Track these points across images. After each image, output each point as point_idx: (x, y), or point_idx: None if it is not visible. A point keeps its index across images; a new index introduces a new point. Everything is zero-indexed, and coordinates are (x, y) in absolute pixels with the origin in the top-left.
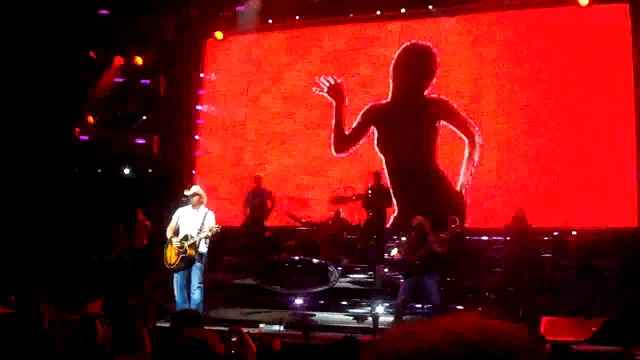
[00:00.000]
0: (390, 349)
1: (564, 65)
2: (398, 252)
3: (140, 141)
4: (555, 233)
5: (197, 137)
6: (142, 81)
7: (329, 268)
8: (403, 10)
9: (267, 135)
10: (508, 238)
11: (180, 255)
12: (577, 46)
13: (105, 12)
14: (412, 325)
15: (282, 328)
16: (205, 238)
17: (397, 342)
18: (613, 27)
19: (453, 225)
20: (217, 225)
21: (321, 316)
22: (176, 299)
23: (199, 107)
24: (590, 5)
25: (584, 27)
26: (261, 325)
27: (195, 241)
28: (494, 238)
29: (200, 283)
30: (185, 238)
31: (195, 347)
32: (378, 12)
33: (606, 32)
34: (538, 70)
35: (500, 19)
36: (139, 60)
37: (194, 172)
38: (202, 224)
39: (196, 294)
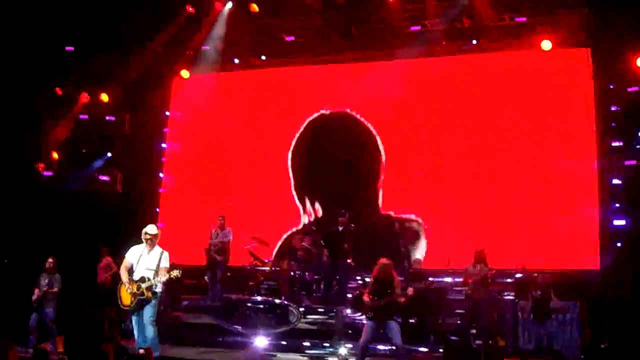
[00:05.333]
0: None
1: (526, 108)
2: (365, 301)
3: (103, 178)
4: (518, 275)
5: (161, 174)
6: (107, 118)
7: (290, 308)
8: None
9: (232, 174)
10: (469, 280)
11: (137, 298)
12: (541, 89)
13: (70, 48)
14: None
15: None
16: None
17: None
18: (575, 71)
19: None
20: (177, 270)
21: (282, 357)
22: (135, 337)
23: (163, 145)
24: (553, 49)
25: (548, 71)
26: None
27: (153, 284)
28: (456, 279)
29: (152, 319)
30: (142, 280)
31: None
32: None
33: (569, 75)
34: (501, 113)
35: (462, 62)
36: (104, 97)
37: (157, 209)
38: (158, 265)
39: (149, 331)
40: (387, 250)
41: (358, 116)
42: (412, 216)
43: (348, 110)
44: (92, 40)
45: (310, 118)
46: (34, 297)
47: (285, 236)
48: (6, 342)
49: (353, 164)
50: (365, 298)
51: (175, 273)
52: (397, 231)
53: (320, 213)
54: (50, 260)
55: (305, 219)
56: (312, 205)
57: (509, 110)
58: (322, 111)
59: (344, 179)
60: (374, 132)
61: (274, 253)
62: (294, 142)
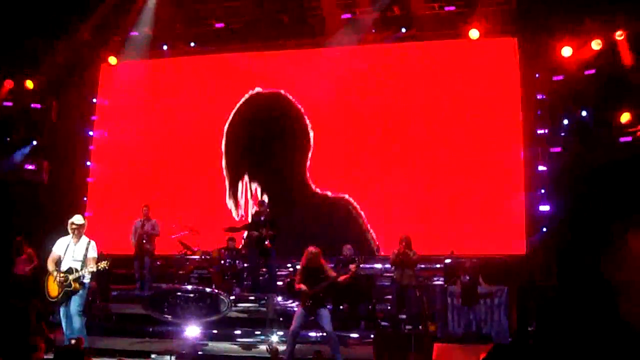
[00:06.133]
0: None
1: (455, 97)
2: (300, 290)
3: (29, 167)
4: (447, 260)
5: (88, 163)
6: (33, 105)
7: (221, 297)
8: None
9: (159, 162)
10: (391, 265)
11: (64, 289)
12: (469, 78)
13: None
14: None
15: (173, 358)
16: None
17: None
18: (502, 60)
19: (354, 267)
20: (105, 261)
21: (213, 346)
22: (64, 330)
23: (91, 133)
24: (481, 39)
25: (476, 60)
26: (152, 356)
27: (80, 275)
28: (385, 266)
29: (80, 309)
30: (70, 271)
31: None
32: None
33: (496, 64)
34: (430, 101)
35: (393, 50)
36: (29, 84)
37: (85, 198)
38: (85, 255)
39: (76, 321)
40: (319, 230)
41: (291, 97)
42: (346, 196)
43: (282, 92)
44: (17, 26)
45: (247, 96)
46: None
47: None
48: None
49: (284, 142)
50: (302, 287)
51: (103, 264)
52: (327, 210)
53: (252, 192)
54: None
55: (230, 202)
56: (243, 183)
57: (437, 98)
58: (258, 89)
59: (275, 157)
60: (304, 114)
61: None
62: (229, 119)
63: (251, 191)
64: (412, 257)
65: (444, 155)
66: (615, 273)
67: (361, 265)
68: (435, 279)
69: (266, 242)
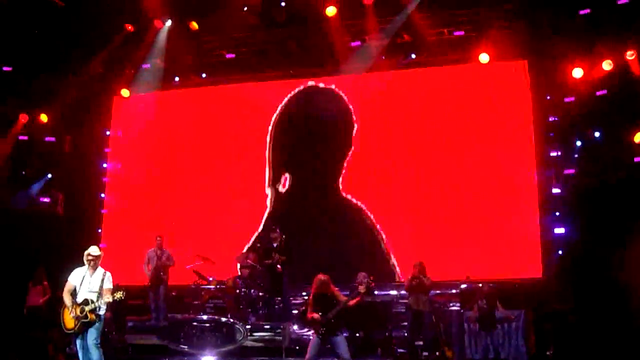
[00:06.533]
0: None
1: (466, 121)
2: (313, 319)
3: (44, 199)
4: (463, 285)
5: (102, 195)
6: (47, 139)
7: (237, 326)
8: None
9: (173, 193)
10: (406, 290)
11: (81, 321)
12: (480, 102)
13: (8, 68)
14: None
15: None
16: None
17: None
18: (513, 83)
19: (363, 289)
20: (121, 292)
21: None
22: None
23: (104, 165)
24: (491, 62)
25: (487, 84)
26: None
27: (96, 307)
28: (401, 292)
29: (96, 341)
30: (85, 302)
31: None
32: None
33: (507, 88)
34: (442, 126)
35: (403, 76)
36: (43, 117)
37: (99, 230)
38: (101, 286)
39: (93, 353)
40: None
41: (344, 96)
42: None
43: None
44: (30, 60)
45: (299, 89)
46: None
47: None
48: None
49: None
50: (314, 315)
51: (119, 295)
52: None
53: (287, 185)
54: None
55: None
56: (281, 174)
57: (449, 123)
58: (310, 83)
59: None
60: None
61: None
62: (279, 108)
63: (285, 185)
64: (426, 282)
65: (458, 179)
66: (633, 294)
67: (376, 292)
68: (451, 304)
69: (278, 267)
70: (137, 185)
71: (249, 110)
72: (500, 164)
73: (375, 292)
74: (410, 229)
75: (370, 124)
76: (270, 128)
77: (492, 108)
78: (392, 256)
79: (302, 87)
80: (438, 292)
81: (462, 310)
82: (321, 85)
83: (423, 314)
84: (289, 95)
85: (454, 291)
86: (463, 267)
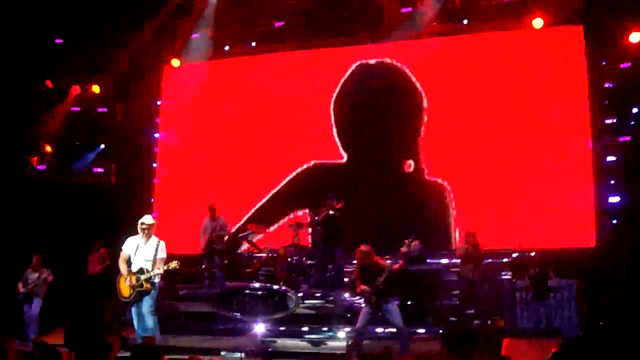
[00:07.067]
0: None
1: (520, 88)
2: (362, 291)
3: (97, 169)
4: (515, 254)
5: (154, 164)
6: (99, 110)
7: (288, 294)
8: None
9: (224, 161)
10: (460, 261)
11: (136, 290)
12: (534, 68)
13: (60, 41)
14: None
15: (242, 355)
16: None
17: None
18: (568, 48)
19: (405, 249)
20: (175, 262)
21: (281, 342)
22: (135, 328)
23: (156, 135)
24: (546, 28)
25: (541, 49)
26: (222, 353)
27: (151, 275)
28: (453, 261)
29: (152, 309)
30: (141, 271)
31: None
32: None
33: (562, 53)
34: (494, 93)
35: (454, 42)
36: (95, 88)
37: (151, 199)
38: (155, 255)
39: (149, 321)
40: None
41: (406, 70)
42: (439, 180)
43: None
44: (81, 32)
45: (357, 63)
46: (20, 291)
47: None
48: (5, 335)
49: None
50: (363, 287)
51: (174, 265)
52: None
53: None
54: (36, 258)
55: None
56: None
57: (502, 90)
58: (365, 60)
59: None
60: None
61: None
62: (338, 88)
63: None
64: (478, 252)
65: (510, 147)
66: None
67: (428, 261)
68: (503, 273)
69: (333, 212)
70: (188, 154)
71: (299, 78)
72: (554, 131)
73: (428, 260)
74: (463, 196)
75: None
76: (331, 111)
77: (546, 75)
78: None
79: (354, 67)
80: (489, 260)
81: (513, 280)
82: (372, 62)
83: (475, 283)
84: (344, 78)
85: (505, 260)
86: (515, 236)
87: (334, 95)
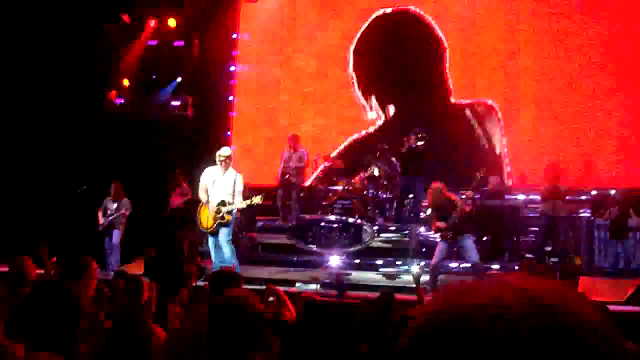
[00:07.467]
0: (448, 306)
1: (600, 19)
2: (438, 228)
3: (174, 103)
4: (594, 192)
5: (231, 97)
6: (176, 43)
7: (364, 227)
8: None
9: (301, 95)
10: (541, 197)
11: (218, 221)
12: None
13: None
14: (465, 283)
15: (317, 287)
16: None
17: (456, 299)
18: None
19: (475, 182)
20: (260, 197)
21: (356, 275)
22: (212, 259)
23: (232, 68)
24: None
25: None
26: (297, 284)
27: (233, 208)
28: (530, 197)
29: (229, 238)
30: (222, 203)
31: (236, 307)
32: None
33: None
34: (574, 25)
35: None
36: (172, 22)
37: (229, 132)
38: (234, 188)
39: (227, 251)
40: (460, 140)
41: (421, 12)
42: (486, 100)
43: (412, 8)
44: None
45: (372, 17)
46: (100, 221)
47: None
48: (88, 259)
49: (418, 59)
50: (438, 224)
51: (257, 199)
52: (469, 118)
53: (391, 112)
54: (115, 186)
55: (372, 115)
56: (382, 104)
57: (581, 22)
58: (385, 10)
59: (409, 74)
60: (437, 27)
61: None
62: (355, 41)
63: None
64: (562, 188)
65: (590, 83)
66: None
67: (507, 196)
68: (582, 211)
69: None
70: (265, 88)
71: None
72: (637, 66)
73: (505, 196)
74: (541, 134)
75: (496, 24)
76: (350, 65)
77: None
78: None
79: (373, 17)
80: (567, 198)
81: (592, 218)
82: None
83: (559, 220)
84: (362, 27)
85: (584, 198)
86: (595, 173)
87: (352, 48)
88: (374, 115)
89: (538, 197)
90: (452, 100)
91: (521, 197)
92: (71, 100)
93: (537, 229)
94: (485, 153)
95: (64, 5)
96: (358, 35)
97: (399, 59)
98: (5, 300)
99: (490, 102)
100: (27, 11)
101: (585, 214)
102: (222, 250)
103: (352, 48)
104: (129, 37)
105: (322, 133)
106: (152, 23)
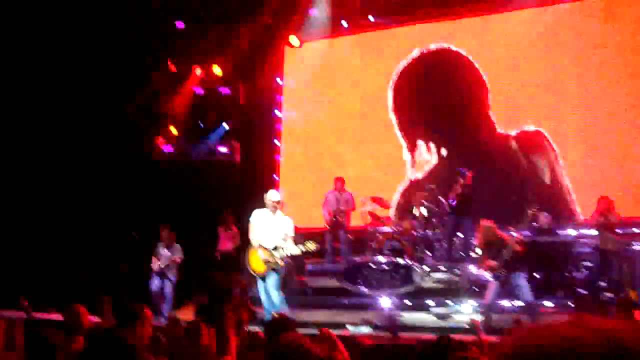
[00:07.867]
0: (527, 348)
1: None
2: (490, 267)
3: (222, 149)
4: None
5: (276, 142)
6: (221, 90)
7: (414, 267)
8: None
9: (346, 137)
10: (594, 230)
11: (270, 266)
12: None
13: (181, 24)
14: (538, 324)
15: (369, 329)
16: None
17: (535, 340)
18: None
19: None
20: (312, 243)
21: (408, 316)
22: (263, 303)
23: (278, 113)
24: None
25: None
26: (349, 327)
27: (286, 254)
28: (581, 231)
29: (278, 283)
30: (276, 249)
31: (294, 351)
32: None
33: None
34: (615, 55)
35: (573, 7)
36: (216, 69)
37: (275, 177)
38: (285, 232)
39: (276, 296)
40: (509, 175)
41: (458, 50)
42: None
43: (447, 46)
44: (201, 15)
45: (410, 56)
46: (154, 266)
47: (400, 189)
48: (142, 307)
49: (459, 97)
50: (489, 263)
51: (311, 246)
52: (514, 148)
53: (434, 152)
54: (166, 231)
55: (411, 158)
56: (426, 143)
57: (622, 52)
58: (421, 49)
59: (453, 114)
60: (475, 63)
61: (391, 211)
62: (395, 79)
63: (431, 151)
64: (613, 219)
65: (635, 113)
66: None
67: (558, 232)
68: (635, 243)
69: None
70: (310, 131)
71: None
72: None
73: (555, 232)
74: (590, 167)
75: (539, 60)
76: (390, 104)
77: None
78: (572, 193)
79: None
80: (620, 230)
81: None
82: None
83: (610, 254)
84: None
85: (636, 230)
86: None
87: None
88: (419, 156)
89: (588, 232)
90: (498, 130)
91: (572, 231)
92: (120, 148)
93: (589, 263)
94: (534, 184)
95: (112, 54)
96: (398, 72)
97: (439, 97)
98: (61, 349)
99: (538, 129)
100: (76, 59)
101: (638, 246)
102: (271, 295)
103: (391, 85)
104: (175, 85)
105: (368, 174)
106: (198, 71)
